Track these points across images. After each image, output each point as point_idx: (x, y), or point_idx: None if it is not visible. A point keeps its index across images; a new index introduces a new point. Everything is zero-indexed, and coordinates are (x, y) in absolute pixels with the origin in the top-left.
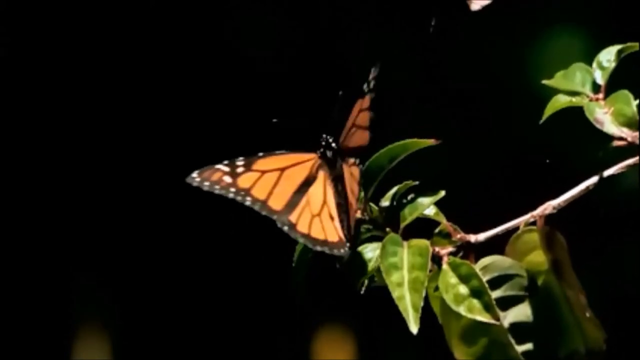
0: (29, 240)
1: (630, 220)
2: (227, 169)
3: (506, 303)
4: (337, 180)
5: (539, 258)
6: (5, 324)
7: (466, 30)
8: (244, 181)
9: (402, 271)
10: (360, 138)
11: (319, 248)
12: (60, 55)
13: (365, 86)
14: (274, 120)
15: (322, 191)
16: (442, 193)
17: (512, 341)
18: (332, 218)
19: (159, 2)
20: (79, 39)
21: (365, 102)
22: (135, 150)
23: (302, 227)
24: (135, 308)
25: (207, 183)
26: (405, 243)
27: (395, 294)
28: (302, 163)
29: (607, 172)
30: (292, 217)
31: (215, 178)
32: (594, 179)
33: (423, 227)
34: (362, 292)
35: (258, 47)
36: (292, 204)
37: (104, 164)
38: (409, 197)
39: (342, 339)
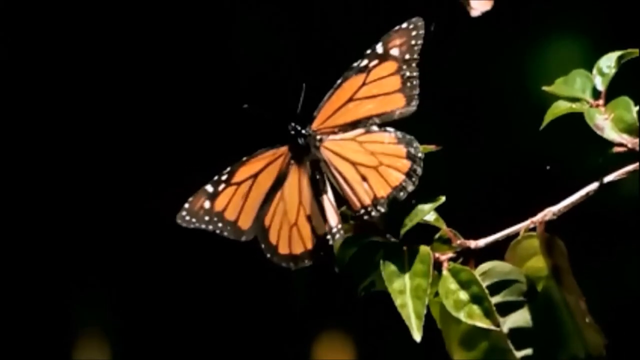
0: (30, 245)
1: (630, 226)
2: (210, 189)
3: (506, 308)
4: (315, 166)
5: (538, 264)
6: (6, 327)
7: (466, 37)
8: (221, 201)
9: (403, 278)
10: (378, 106)
11: (300, 265)
12: (60, 56)
13: (365, 60)
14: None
15: (296, 190)
16: (443, 199)
17: (512, 347)
18: (308, 219)
19: (158, 4)
20: (79, 39)
21: (386, 68)
22: (135, 154)
23: (283, 248)
24: (136, 312)
25: (187, 217)
26: (406, 249)
27: (397, 301)
28: (273, 162)
29: (607, 178)
30: (272, 238)
31: (197, 206)
32: (594, 185)
33: (423, 232)
34: (362, 297)
35: (257, 49)
36: (261, 216)
37: (103, 168)
38: (410, 203)
39: (342, 343)
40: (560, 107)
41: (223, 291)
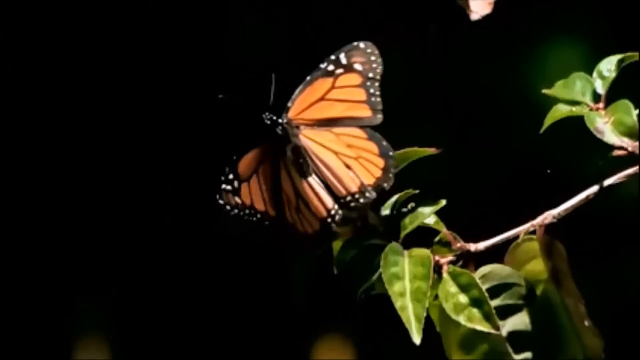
0: (31, 248)
1: (630, 229)
2: (229, 187)
3: (505, 312)
4: (297, 152)
5: (538, 267)
6: (8, 329)
7: (466, 40)
8: (245, 196)
9: (404, 281)
10: (348, 110)
11: (318, 243)
12: (60, 56)
13: (331, 66)
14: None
15: (288, 178)
16: (443, 202)
17: (511, 350)
18: (306, 204)
19: (158, 4)
20: (78, 40)
21: (352, 79)
22: (134, 155)
23: (300, 227)
24: (137, 314)
25: (236, 210)
26: (406, 253)
27: (397, 304)
28: (262, 157)
29: (608, 182)
30: (289, 219)
31: (233, 202)
32: (594, 189)
33: (423, 236)
34: (362, 300)
35: (255, 50)
36: (278, 204)
37: (103, 169)
38: (410, 206)
39: (342, 346)
40: (561, 111)
41: (223, 293)
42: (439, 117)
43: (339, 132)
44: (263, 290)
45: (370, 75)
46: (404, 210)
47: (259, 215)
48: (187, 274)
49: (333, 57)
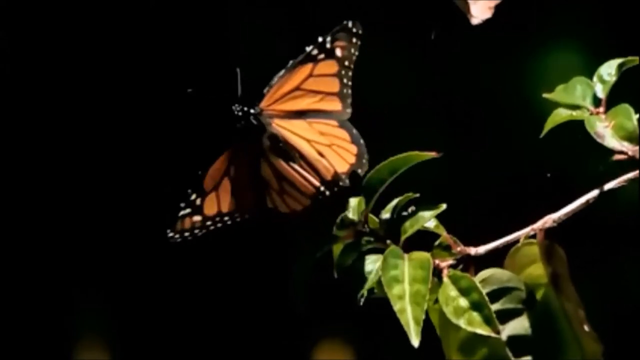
0: (32, 250)
1: (630, 234)
2: (188, 209)
3: (504, 316)
4: (274, 139)
5: (538, 271)
6: (8, 331)
7: (466, 44)
8: (209, 208)
9: (403, 284)
10: (319, 103)
11: (306, 216)
12: (59, 57)
13: (316, 50)
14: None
15: (269, 168)
16: (444, 206)
17: (510, 354)
18: (292, 185)
19: (157, 6)
20: (78, 40)
21: (329, 67)
22: (132, 158)
23: (281, 207)
24: (136, 315)
25: (186, 233)
26: (406, 256)
27: (396, 307)
28: (235, 154)
29: (608, 186)
30: (269, 203)
31: (188, 225)
32: (595, 193)
33: (423, 239)
34: (361, 303)
35: (256, 50)
36: (257, 192)
37: (102, 172)
38: (410, 210)
39: (341, 349)
40: (561, 115)
41: (223, 294)
42: (439, 117)
43: (311, 120)
44: (263, 290)
45: (346, 63)
46: (404, 213)
47: (226, 218)
48: (187, 274)
49: (320, 39)
